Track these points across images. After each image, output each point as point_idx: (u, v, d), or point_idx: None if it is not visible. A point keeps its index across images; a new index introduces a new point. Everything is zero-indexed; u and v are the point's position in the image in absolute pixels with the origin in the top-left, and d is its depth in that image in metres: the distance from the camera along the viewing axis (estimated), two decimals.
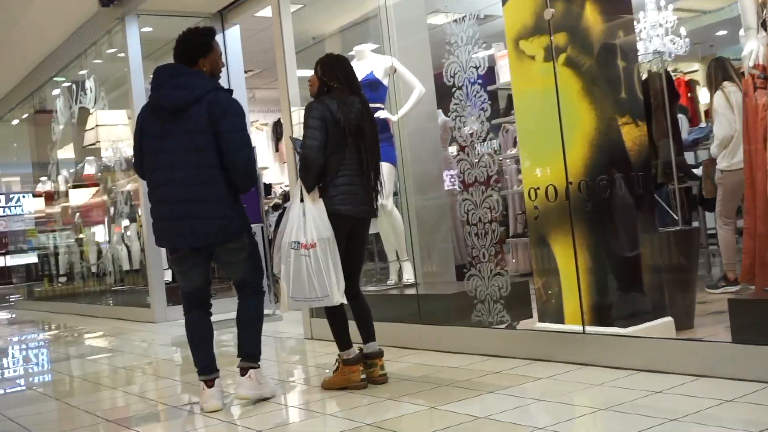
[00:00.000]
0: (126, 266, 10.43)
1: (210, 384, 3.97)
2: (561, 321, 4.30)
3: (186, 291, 4.09)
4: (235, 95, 4.10)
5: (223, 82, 4.24)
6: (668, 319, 4.21)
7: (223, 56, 4.24)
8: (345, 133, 3.99)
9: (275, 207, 10.28)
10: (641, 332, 4.00)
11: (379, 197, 4.23)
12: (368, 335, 4.19)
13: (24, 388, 5.74)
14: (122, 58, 9.05)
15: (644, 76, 5.49)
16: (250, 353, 4.04)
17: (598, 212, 4.23)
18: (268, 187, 11.24)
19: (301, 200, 3.98)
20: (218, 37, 4.46)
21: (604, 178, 4.20)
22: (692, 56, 8.63)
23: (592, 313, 4.18)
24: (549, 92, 4.21)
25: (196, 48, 4.06)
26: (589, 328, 4.12)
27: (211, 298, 4.18)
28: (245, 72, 9.20)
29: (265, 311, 4.29)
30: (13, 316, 13.13)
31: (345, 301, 4.03)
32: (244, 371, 4.00)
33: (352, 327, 4.18)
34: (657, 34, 6.67)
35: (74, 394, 5.23)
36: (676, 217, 5.69)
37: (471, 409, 3.48)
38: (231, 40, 8.72)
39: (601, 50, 4.33)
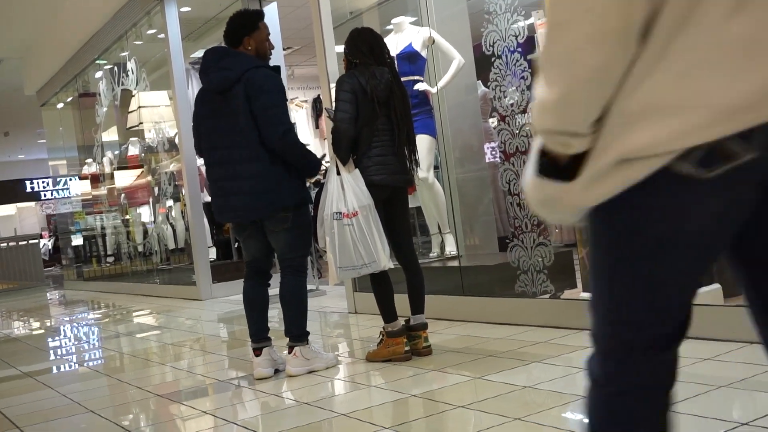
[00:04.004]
0: (171, 245, 10.57)
1: (258, 353, 4.08)
2: None
3: (246, 260, 4.27)
4: None
5: None
6: (716, 286, 4.14)
7: (271, 37, 4.28)
8: (375, 104, 3.99)
9: (316, 183, 10.31)
10: None
11: (414, 166, 4.22)
12: (417, 307, 4.20)
13: (76, 365, 5.87)
14: (162, 39, 9.11)
15: None
16: (292, 332, 4.12)
17: None
18: None
19: (338, 173, 4.00)
20: None
21: None
22: None
23: None
24: None
25: (240, 28, 4.14)
26: None
27: (270, 270, 4.33)
28: (284, 49, 9.20)
29: (309, 287, 4.34)
30: (64, 296, 13.41)
31: (392, 266, 4.06)
32: (290, 349, 4.08)
33: (399, 298, 4.19)
34: None
35: (124, 370, 5.33)
36: None
37: (516, 378, 3.47)
38: (269, 18, 8.64)
39: None
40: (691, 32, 1.05)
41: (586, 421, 1.31)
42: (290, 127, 4.03)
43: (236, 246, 9.16)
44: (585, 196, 1.16)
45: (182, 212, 9.94)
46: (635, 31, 1.06)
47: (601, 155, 1.13)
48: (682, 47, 1.05)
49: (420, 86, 5.76)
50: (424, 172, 5.68)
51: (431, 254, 6.14)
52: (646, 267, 1.20)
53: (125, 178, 11.92)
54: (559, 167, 1.17)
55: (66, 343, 7.34)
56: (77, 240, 15.21)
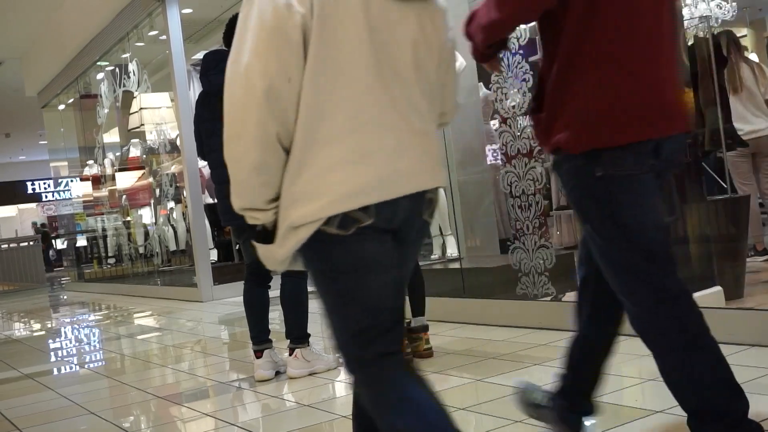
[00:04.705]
0: (173, 247, 10.57)
1: (259, 355, 4.08)
2: None
3: (247, 262, 4.27)
4: None
5: None
6: (717, 288, 4.14)
7: None
8: None
9: None
10: None
11: None
12: (418, 309, 4.19)
13: (76, 366, 5.87)
14: (163, 41, 9.11)
15: (690, 42, 5.37)
16: (293, 334, 4.12)
17: None
18: None
19: None
20: None
21: None
22: (740, 21, 8.42)
23: None
24: None
25: None
26: None
27: (271, 272, 4.28)
28: None
29: (309, 289, 4.33)
30: (65, 297, 13.41)
31: None
32: (291, 351, 4.08)
33: None
34: None
35: (125, 372, 5.32)
36: (725, 185, 5.58)
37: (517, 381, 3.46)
38: None
39: None
40: (319, 147, 1.66)
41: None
42: None
43: (237, 248, 9.16)
44: (280, 251, 1.73)
45: (183, 214, 9.95)
46: (277, 143, 1.66)
47: (282, 224, 1.71)
48: (316, 157, 1.66)
49: None
50: None
51: (432, 256, 6.14)
52: (348, 286, 1.76)
53: (126, 180, 11.92)
54: (267, 236, 1.77)
55: (67, 345, 7.33)
56: (79, 241, 15.21)
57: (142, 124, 10.30)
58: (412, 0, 1.74)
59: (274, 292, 4.18)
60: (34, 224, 27.93)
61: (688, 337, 2.08)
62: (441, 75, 1.85)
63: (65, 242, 18.33)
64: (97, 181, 13.20)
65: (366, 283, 1.74)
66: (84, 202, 14.36)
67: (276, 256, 1.75)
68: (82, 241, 15.03)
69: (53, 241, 24.01)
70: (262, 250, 1.79)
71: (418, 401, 1.74)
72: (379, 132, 1.68)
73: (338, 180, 1.65)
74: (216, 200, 4.33)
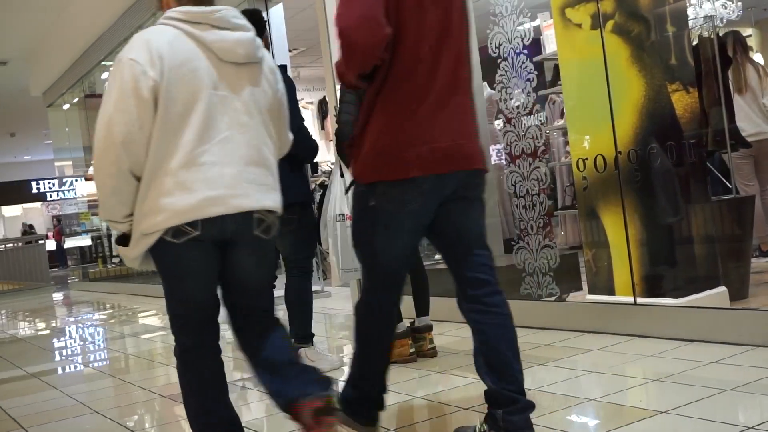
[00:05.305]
0: None
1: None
2: (611, 293, 4.26)
3: None
4: None
5: None
6: (722, 289, 4.14)
7: (277, 38, 4.28)
8: None
9: (321, 185, 10.31)
10: (694, 302, 3.94)
11: None
12: (422, 308, 4.20)
13: (81, 366, 5.88)
14: None
15: (695, 42, 5.36)
16: (297, 333, 4.11)
17: (648, 182, 4.16)
18: (315, 165, 11.26)
19: (341, 175, 4.00)
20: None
21: (654, 147, 4.13)
22: (745, 21, 8.40)
23: (643, 284, 4.13)
24: (596, 61, 4.14)
25: None
26: (640, 300, 4.07)
27: (275, 271, 4.34)
28: (290, 51, 9.20)
29: (314, 288, 4.33)
30: (70, 296, 13.43)
31: None
32: None
33: (404, 300, 4.18)
34: None
35: (129, 371, 5.33)
36: (729, 185, 5.57)
37: None
38: (275, 19, 8.72)
39: (650, 16, 4.24)
40: (162, 177, 2.22)
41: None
42: (300, 125, 3.99)
43: None
44: (133, 252, 2.33)
45: None
46: (129, 174, 2.23)
47: (135, 232, 2.31)
48: (160, 184, 2.22)
49: None
50: None
51: (437, 256, 6.13)
52: (172, 288, 2.41)
53: None
54: (125, 240, 2.35)
55: (71, 344, 7.35)
56: (83, 241, 15.23)
57: None
58: (245, 64, 2.34)
59: (279, 292, 4.18)
60: (23, 224, 28.06)
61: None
62: (274, 118, 2.44)
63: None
64: None
65: (184, 280, 2.37)
66: (89, 201, 14.37)
67: (130, 255, 2.35)
68: (86, 241, 15.04)
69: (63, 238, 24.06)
70: (121, 251, 2.40)
71: (214, 387, 2.60)
72: (208, 166, 2.24)
73: (172, 202, 2.21)
74: None
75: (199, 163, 2.23)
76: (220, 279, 2.43)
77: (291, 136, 2.61)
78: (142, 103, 2.18)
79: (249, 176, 2.30)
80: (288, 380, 2.45)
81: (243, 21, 2.39)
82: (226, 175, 2.25)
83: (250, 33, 2.38)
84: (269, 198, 2.37)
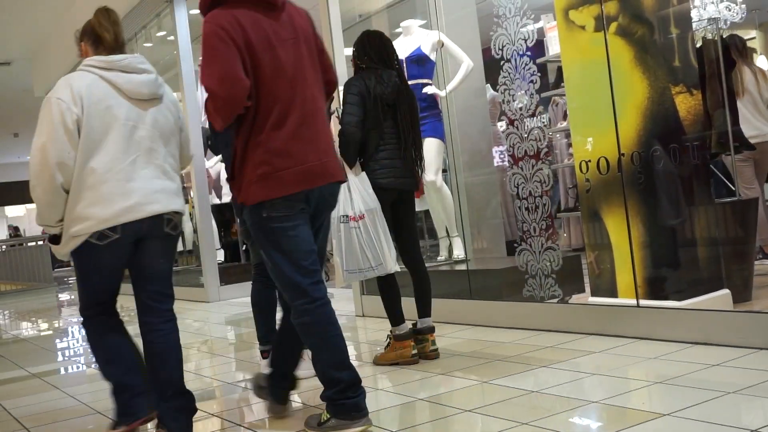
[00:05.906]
0: (179, 247, 10.57)
1: (266, 355, 4.09)
2: (614, 295, 4.25)
3: (254, 263, 4.29)
4: None
5: None
6: (725, 291, 4.13)
7: None
8: (382, 107, 4.00)
9: None
10: (697, 305, 3.93)
11: (420, 170, 4.22)
12: (424, 310, 4.20)
13: (84, 366, 5.88)
14: (171, 41, 9.13)
15: (698, 44, 5.35)
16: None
17: (652, 184, 4.15)
18: None
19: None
20: None
21: (658, 149, 4.12)
22: (749, 23, 8.39)
23: (645, 286, 4.12)
24: (600, 63, 4.14)
25: None
26: (643, 302, 4.06)
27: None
28: None
29: None
30: (72, 297, 13.43)
31: (398, 269, 4.06)
32: None
33: (406, 302, 4.19)
34: (711, 1, 6.49)
35: None
36: (733, 188, 5.56)
37: (524, 383, 3.46)
38: None
39: (654, 18, 4.24)
40: (86, 190, 2.86)
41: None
42: None
43: (244, 248, 9.17)
44: (64, 249, 2.96)
45: (190, 214, 9.94)
46: (61, 189, 2.87)
47: (65, 234, 2.92)
48: (84, 197, 2.87)
49: (429, 89, 5.75)
50: (432, 175, 5.68)
51: (439, 258, 6.13)
52: (89, 277, 3.09)
53: None
54: (57, 239, 2.98)
55: (74, 344, 7.35)
56: None
57: None
58: (149, 100, 3.03)
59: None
60: (9, 227, 28.18)
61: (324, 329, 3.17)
62: (175, 141, 3.12)
63: None
64: None
65: (99, 274, 3.06)
66: None
67: (61, 251, 2.97)
68: None
69: None
70: (53, 248, 3.02)
71: (119, 350, 3.36)
72: (124, 182, 2.88)
73: (96, 212, 2.86)
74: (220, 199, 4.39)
75: (116, 179, 2.87)
76: (133, 268, 3.07)
77: (192, 154, 3.36)
78: (69, 132, 2.83)
79: (157, 186, 2.96)
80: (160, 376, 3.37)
81: (147, 66, 3.11)
82: (139, 188, 2.91)
83: (153, 75, 3.09)
84: (175, 203, 3.03)
